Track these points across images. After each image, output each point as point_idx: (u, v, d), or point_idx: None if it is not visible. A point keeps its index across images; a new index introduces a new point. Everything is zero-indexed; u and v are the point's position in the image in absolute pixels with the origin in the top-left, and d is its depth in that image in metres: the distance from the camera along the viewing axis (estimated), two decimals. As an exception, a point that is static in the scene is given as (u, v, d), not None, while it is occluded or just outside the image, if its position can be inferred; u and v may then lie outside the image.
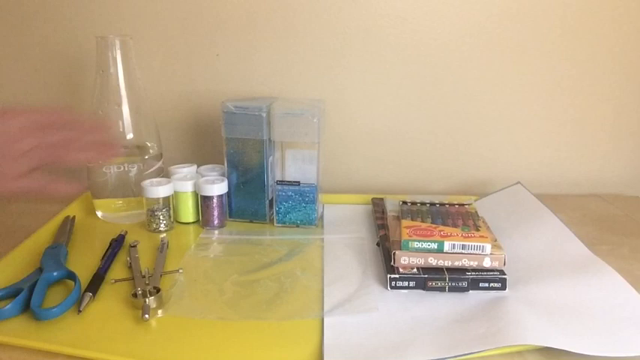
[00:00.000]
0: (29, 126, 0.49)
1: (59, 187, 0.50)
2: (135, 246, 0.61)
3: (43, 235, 0.64)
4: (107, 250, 0.60)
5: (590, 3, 0.78)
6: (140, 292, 0.50)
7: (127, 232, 0.65)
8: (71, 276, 0.53)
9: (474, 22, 0.79)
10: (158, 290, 0.51)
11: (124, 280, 0.54)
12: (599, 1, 0.78)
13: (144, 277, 0.54)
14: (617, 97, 0.83)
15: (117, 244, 0.62)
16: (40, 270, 0.54)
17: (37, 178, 0.49)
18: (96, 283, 0.52)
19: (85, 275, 0.53)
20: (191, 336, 0.45)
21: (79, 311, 0.48)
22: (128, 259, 0.58)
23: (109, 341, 0.45)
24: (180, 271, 0.56)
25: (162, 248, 0.60)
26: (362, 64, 0.81)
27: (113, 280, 0.54)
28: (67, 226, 0.66)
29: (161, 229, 0.67)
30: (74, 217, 0.69)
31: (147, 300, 0.48)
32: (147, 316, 0.46)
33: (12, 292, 0.50)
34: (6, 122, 0.48)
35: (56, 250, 0.57)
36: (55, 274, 0.53)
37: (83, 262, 0.58)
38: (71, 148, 0.51)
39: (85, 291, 0.51)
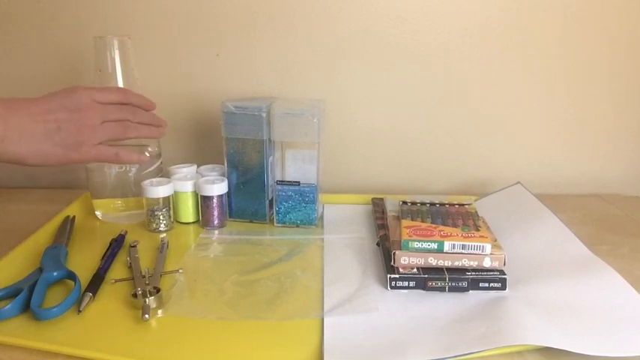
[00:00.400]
0: (101, 101, 0.55)
1: (131, 156, 0.58)
2: (135, 246, 0.61)
3: (43, 235, 0.64)
4: (107, 250, 0.60)
5: (590, 3, 0.78)
6: (140, 292, 0.50)
7: (126, 231, 0.65)
8: (71, 276, 0.53)
9: (474, 23, 0.79)
10: (158, 290, 0.51)
11: (124, 280, 0.54)
12: (599, 2, 0.78)
13: (144, 277, 0.54)
14: (617, 98, 0.83)
15: (117, 244, 0.62)
16: (40, 270, 0.54)
17: (111, 147, 0.56)
18: (96, 283, 0.52)
19: (85, 275, 0.53)
20: (191, 336, 0.45)
21: (79, 311, 0.48)
22: (128, 259, 0.58)
23: (109, 341, 0.45)
24: (180, 271, 0.56)
25: (162, 248, 0.60)
26: (362, 64, 0.81)
27: (113, 280, 0.54)
28: (67, 226, 0.66)
29: (161, 229, 0.67)
30: (74, 217, 0.69)
31: (147, 300, 0.48)
32: (147, 316, 0.46)
33: (12, 292, 0.50)
34: (83, 95, 0.54)
35: (56, 250, 0.58)
36: (55, 274, 0.53)
37: (83, 262, 0.58)
38: (132, 125, 0.57)
39: (85, 291, 0.51)
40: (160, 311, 0.49)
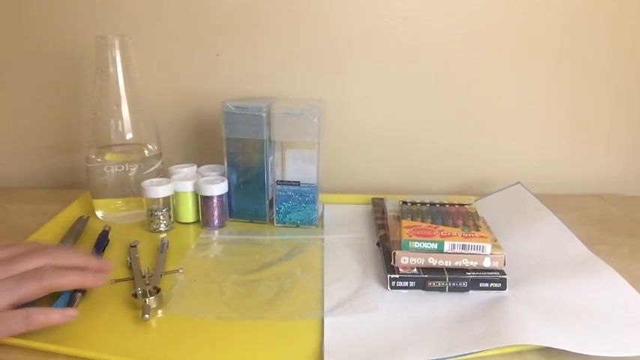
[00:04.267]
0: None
1: (49, 315, 0.43)
2: (135, 246, 0.61)
3: (43, 235, 0.63)
4: (93, 247, 0.60)
5: (591, 3, 0.78)
6: (140, 292, 0.50)
7: (110, 227, 0.64)
8: None
9: (474, 23, 0.79)
10: (158, 290, 0.51)
11: (123, 280, 0.54)
12: (600, 2, 0.78)
13: (144, 277, 0.54)
14: (617, 97, 0.83)
15: (101, 240, 0.61)
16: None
17: (17, 311, 0.42)
18: None
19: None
20: (191, 336, 0.45)
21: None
22: (128, 259, 0.58)
23: (109, 341, 0.45)
24: (181, 271, 0.56)
25: (162, 248, 0.60)
26: (362, 64, 0.81)
27: (113, 280, 0.54)
28: (78, 227, 0.65)
29: (161, 229, 0.67)
30: (88, 217, 0.69)
31: (147, 300, 0.48)
32: (147, 316, 0.46)
33: None
34: None
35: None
36: None
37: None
38: (50, 272, 0.44)
39: (75, 291, 0.50)
40: (160, 311, 0.49)
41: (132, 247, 0.61)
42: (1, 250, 0.45)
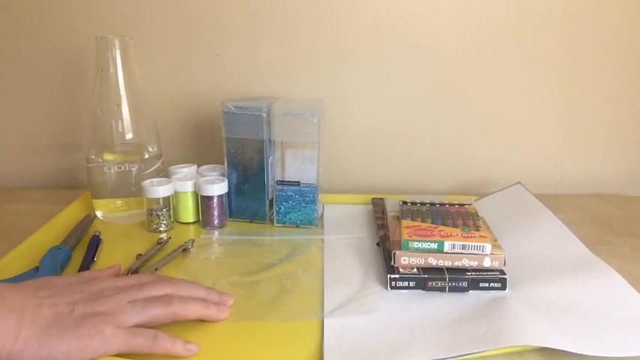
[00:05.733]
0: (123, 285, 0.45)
1: (174, 345, 0.42)
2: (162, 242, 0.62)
3: (43, 235, 0.63)
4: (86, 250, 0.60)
5: (590, 4, 0.78)
6: None
7: (100, 232, 0.64)
8: None
9: (474, 23, 0.79)
10: None
11: None
12: (600, 2, 0.78)
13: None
14: (617, 97, 0.83)
15: (91, 244, 0.61)
16: (37, 269, 0.53)
17: (146, 330, 0.42)
18: None
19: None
20: (192, 337, 0.45)
21: None
22: (140, 254, 0.59)
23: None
24: (156, 269, 0.55)
25: (162, 248, 0.61)
26: (362, 64, 0.81)
27: None
28: (81, 227, 0.65)
29: (161, 229, 0.67)
30: (94, 217, 0.69)
31: None
32: None
33: None
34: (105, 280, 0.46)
35: (59, 252, 0.57)
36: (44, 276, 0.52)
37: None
38: (176, 298, 0.45)
39: None
40: None
41: (159, 243, 0.62)
42: (132, 278, 0.47)
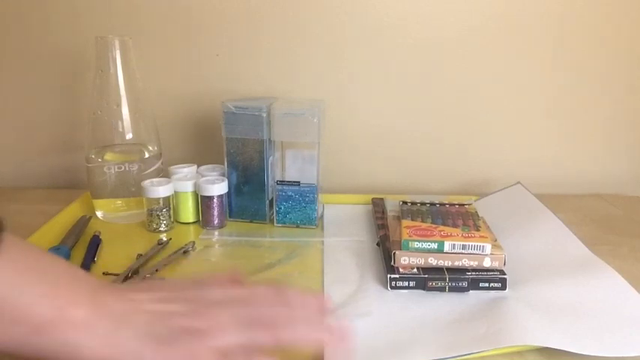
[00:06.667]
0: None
1: None
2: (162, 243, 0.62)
3: (43, 235, 0.63)
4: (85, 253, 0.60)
5: (590, 4, 0.78)
6: None
7: (100, 232, 0.64)
8: None
9: (474, 23, 0.79)
10: None
11: (112, 274, 0.54)
12: (599, 2, 0.78)
13: (128, 276, 0.54)
14: (617, 97, 0.83)
15: (91, 244, 0.61)
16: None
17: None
18: None
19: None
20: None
21: None
22: (140, 254, 0.59)
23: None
24: (163, 279, 0.55)
25: (163, 249, 0.61)
26: (362, 64, 0.81)
27: (104, 273, 0.54)
28: (78, 227, 0.65)
29: (161, 229, 0.67)
30: (90, 217, 0.69)
31: None
32: None
33: None
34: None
35: (58, 252, 0.57)
36: None
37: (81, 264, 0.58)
38: (284, 320, 0.39)
39: None
40: None
41: (159, 244, 0.62)
42: (246, 290, 0.42)
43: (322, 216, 0.72)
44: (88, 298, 0.36)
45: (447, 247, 0.52)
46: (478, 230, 0.55)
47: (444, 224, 0.56)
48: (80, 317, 0.35)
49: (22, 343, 0.34)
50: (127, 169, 0.68)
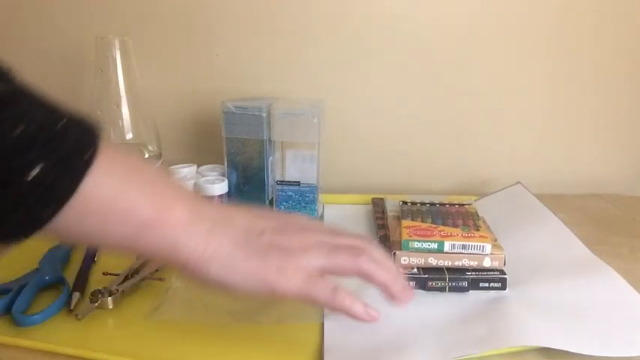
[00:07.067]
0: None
1: (355, 304, 0.40)
2: None
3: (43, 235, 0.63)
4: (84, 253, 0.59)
5: (590, 4, 0.78)
6: (100, 291, 0.50)
7: None
8: (62, 281, 0.52)
9: (474, 23, 0.79)
10: (110, 293, 0.50)
11: (112, 274, 0.54)
12: (598, 3, 0.78)
13: (127, 277, 0.53)
14: (617, 97, 0.83)
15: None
16: (37, 271, 0.53)
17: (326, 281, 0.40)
18: (81, 282, 0.52)
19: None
20: (190, 339, 0.45)
21: (70, 310, 0.48)
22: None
23: (108, 341, 0.45)
24: (163, 279, 0.54)
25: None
26: (362, 64, 0.81)
27: (104, 273, 0.54)
28: None
29: (161, 229, 0.67)
30: None
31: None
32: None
33: (1, 291, 0.50)
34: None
35: (57, 252, 0.57)
36: (46, 277, 0.52)
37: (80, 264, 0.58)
38: (366, 255, 0.41)
39: (73, 290, 0.50)
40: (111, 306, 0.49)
41: None
42: (332, 229, 0.44)
43: (322, 216, 0.72)
44: (186, 202, 0.38)
45: (447, 247, 0.52)
46: (478, 230, 0.55)
47: (444, 224, 0.56)
48: (180, 218, 0.36)
49: (131, 241, 0.36)
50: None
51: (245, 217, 0.40)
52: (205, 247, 0.37)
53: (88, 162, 0.32)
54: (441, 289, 0.52)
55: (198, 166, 0.74)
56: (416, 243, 0.53)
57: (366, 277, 0.41)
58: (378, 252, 0.42)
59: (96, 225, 0.34)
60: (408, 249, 0.53)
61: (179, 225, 0.36)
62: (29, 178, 0.30)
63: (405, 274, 0.52)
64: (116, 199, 0.34)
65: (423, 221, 0.57)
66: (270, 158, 0.68)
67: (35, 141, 0.30)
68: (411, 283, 0.52)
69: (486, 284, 0.51)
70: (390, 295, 0.41)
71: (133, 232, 0.35)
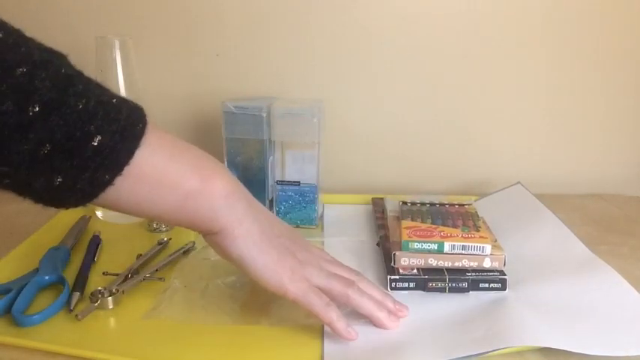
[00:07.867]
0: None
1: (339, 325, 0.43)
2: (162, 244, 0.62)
3: (43, 235, 0.63)
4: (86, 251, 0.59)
5: (591, 4, 0.78)
6: (100, 291, 0.50)
7: (100, 232, 0.64)
8: (62, 281, 0.52)
9: (474, 23, 0.79)
10: (110, 293, 0.50)
11: (112, 274, 0.54)
12: (598, 3, 0.78)
13: (128, 277, 0.54)
14: (617, 97, 0.83)
15: (92, 244, 0.60)
16: (37, 271, 0.53)
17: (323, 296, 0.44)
18: (81, 282, 0.52)
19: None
20: (190, 339, 0.45)
21: (70, 310, 0.48)
22: (140, 254, 0.59)
23: (108, 341, 0.45)
24: (163, 279, 0.55)
25: (163, 249, 0.61)
26: (362, 64, 0.81)
27: (105, 273, 0.54)
28: (78, 227, 0.65)
29: (161, 229, 0.67)
30: (90, 217, 0.69)
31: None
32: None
33: (1, 291, 0.50)
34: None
35: (58, 252, 0.57)
36: (46, 277, 0.52)
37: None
38: (356, 287, 0.46)
39: (73, 290, 0.50)
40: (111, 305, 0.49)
41: (159, 244, 0.62)
42: (333, 260, 0.50)
43: (322, 216, 0.72)
44: (226, 177, 0.42)
45: (446, 247, 0.52)
46: (478, 231, 0.55)
47: (443, 224, 0.56)
48: (222, 190, 0.41)
49: (176, 209, 0.40)
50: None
51: (267, 216, 0.46)
52: (240, 224, 0.42)
53: (139, 134, 0.37)
54: (441, 290, 0.52)
55: (198, 166, 0.74)
56: (416, 244, 0.53)
57: (353, 306, 0.45)
58: (366, 284, 0.48)
59: (147, 193, 0.38)
60: (408, 250, 0.53)
61: (221, 197, 0.41)
62: (94, 144, 0.34)
63: (405, 275, 0.52)
64: (167, 168, 0.39)
65: (422, 221, 0.57)
66: (270, 158, 0.68)
67: (97, 114, 0.35)
68: (411, 284, 0.52)
69: (486, 285, 0.51)
70: (374, 323, 0.46)
71: (180, 200, 0.39)
